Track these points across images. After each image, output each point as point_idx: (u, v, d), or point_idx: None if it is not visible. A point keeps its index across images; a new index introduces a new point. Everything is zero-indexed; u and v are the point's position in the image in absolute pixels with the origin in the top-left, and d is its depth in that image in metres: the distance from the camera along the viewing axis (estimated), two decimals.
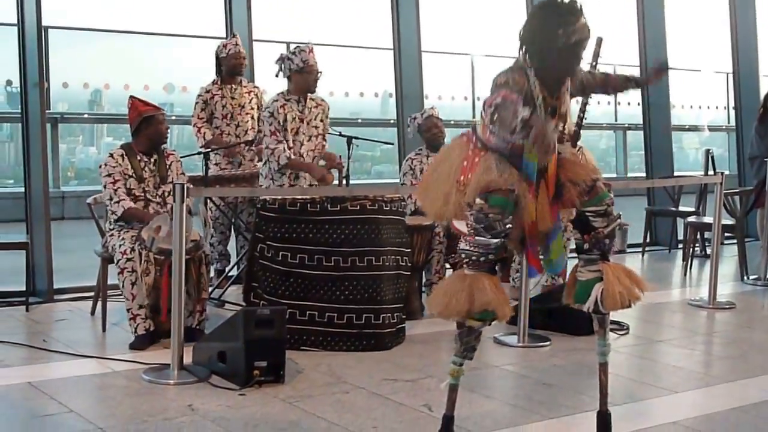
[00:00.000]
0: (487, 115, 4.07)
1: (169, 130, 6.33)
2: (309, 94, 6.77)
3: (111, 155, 6.17)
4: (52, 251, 7.24)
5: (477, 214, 4.19)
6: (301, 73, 6.69)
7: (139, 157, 6.17)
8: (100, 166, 6.21)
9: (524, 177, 4.19)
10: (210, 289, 6.48)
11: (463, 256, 4.23)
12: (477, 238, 4.17)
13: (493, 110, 4.03)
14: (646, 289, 4.47)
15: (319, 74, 6.73)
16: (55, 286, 7.23)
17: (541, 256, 4.48)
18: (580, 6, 4.22)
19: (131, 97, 6.32)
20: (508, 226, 4.20)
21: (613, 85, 4.77)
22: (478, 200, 4.20)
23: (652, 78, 5.03)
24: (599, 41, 6.54)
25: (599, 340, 4.47)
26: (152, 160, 6.21)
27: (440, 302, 4.18)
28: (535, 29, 4.23)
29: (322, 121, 6.85)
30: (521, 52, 4.26)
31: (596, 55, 6.76)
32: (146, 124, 6.17)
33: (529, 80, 4.19)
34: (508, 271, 7.21)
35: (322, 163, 6.85)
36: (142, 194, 6.12)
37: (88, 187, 12.95)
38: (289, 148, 6.62)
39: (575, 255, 4.49)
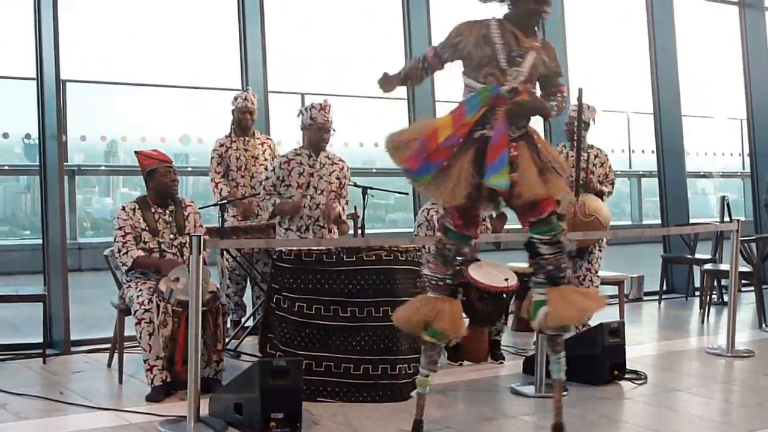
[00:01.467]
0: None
1: (176, 181, 6.33)
2: (323, 152, 6.85)
3: (123, 208, 6.22)
4: (69, 303, 7.26)
5: (437, 245, 4.90)
6: (310, 129, 6.80)
7: (153, 210, 6.21)
8: (114, 220, 6.26)
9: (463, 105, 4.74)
10: (226, 340, 6.47)
11: (425, 280, 4.94)
12: (435, 264, 4.88)
13: (413, 60, 4.99)
14: (601, 304, 5.01)
15: (329, 134, 6.81)
16: (72, 338, 7.24)
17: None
18: None
19: (136, 152, 6.41)
20: (461, 257, 4.89)
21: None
22: (438, 234, 4.96)
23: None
24: (580, 92, 6.70)
25: (552, 356, 5.04)
26: (168, 211, 6.25)
27: (402, 317, 4.92)
28: None
29: (338, 178, 6.89)
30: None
31: (579, 105, 6.87)
32: (150, 177, 6.24)
33: (489, 28, 4.75)
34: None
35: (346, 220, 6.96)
36: (157, 246, 6.15)
37: (105, 238, 13.00)
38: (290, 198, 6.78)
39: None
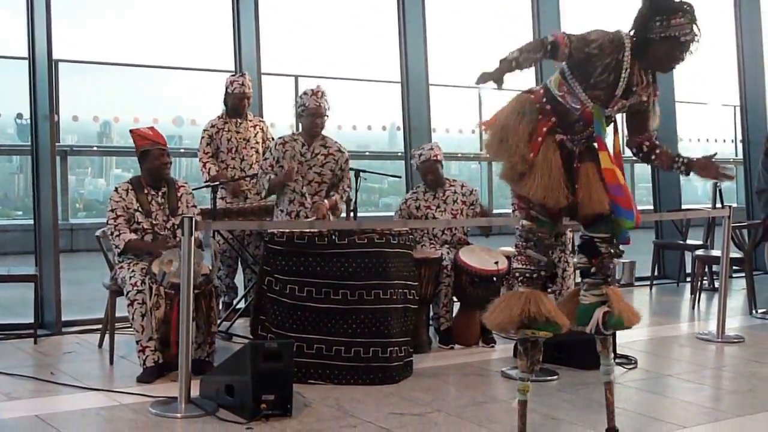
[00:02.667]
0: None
1: (169, 164, 6.31)
2: (320, 139, 6.82)
3: (116, 189, 6.22)
4: (61, 284, 7.26)
5: (526, 234, 4.58)
6: (302, 116, 6.78)
7: (146, 191, 6.21)
8: (107, 205, 6.24)
9: (597, 137, 4.50)
10: (218, 322, 6.48)
11: (517, 274, 4.59)
12: (528, 255, 4.56)
13: (536, 40, 4.45)
14: (639, 317, 4.73)
15: (322, 119, 6.77)
16: (64, 319, 7.24)
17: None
18: (688, 7, 4.48)
19: (131, 130, 6.39)
20: (553, 241, 4.64)
21: (660, 152, 4.75)
22: (525, 222, 4.59)
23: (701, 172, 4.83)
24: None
25: (603, 359, 4.73)
26: (160, 192, 6.24)
27: (499, 317, 4.49)
28: (642, 14, 4.49)
29: (331, 170, 6.86)
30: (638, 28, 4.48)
31: None
32: (143, 159, 6.23)
33: (624, 50, 4.42)
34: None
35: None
36: (150, 228, 6.14)
37: (97, 219, 12.99)
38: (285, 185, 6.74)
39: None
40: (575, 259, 4.95)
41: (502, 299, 4.62)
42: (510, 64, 4.36)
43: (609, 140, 4.60)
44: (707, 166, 4.73)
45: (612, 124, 4.60)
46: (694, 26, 4.46)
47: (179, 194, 6.31)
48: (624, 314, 4.61)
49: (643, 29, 4.46)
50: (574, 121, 4.50)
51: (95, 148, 14.27)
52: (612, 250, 4.69)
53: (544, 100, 4.54)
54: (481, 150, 15.43)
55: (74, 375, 5.89)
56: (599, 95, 4.47)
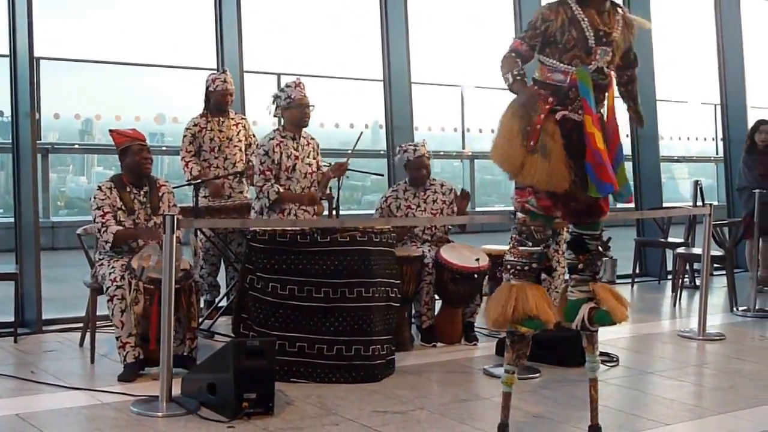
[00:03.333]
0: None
1: (150, 159, 6.27)
2: (303, 128, 6.80)
3: (99, 188, 6.18)
4: (42, 282, 7.22)
5: (520, 227, 4.65)
6: (288, 109, 6.72)
7: (128, 189, 6.19)
8: (90, 199, 6.22)
9: (583, 99, 4.54)
10: (200, 320, 6.46)
11: (509, 266, 4.64)
12: (520, 248, 4.61)
13: (503, 59, 4.63)
14: (627, 314, 4.78)
15: (309, 108, 6.75)
16: (44, 317, 7.20)
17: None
18: None
19: (110, 130, 6.38)
20: (548, 234, 4.66)
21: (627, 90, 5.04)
22: (520, 215, 4.66)
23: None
24: None
25: (589, 356, 4.77)
26: (142, 191, 6.22)
27: (492, 312, 4.56)
28: None
29: (314, 158, 6.87)
30: None
31: None
32: (124, 156, 6.20)
33: (572, 9, 4.60)
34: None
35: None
36: (133, 226, 6.12)
37: (79, 217, 12.95)
38: (283, 186, 6.65)
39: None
40: (565, 255, 4.95)
41: (496, 294, 4.66)
42: (518, 81, 4.59)
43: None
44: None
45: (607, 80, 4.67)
46: None
47: (160, 193, 6.29)
48: (612, 310, 4.66)
49: None
50: (567, 91, 4.58)
51: (77, 146, 14.22)
52: (600, 248, 4.77)
53: (536, 88, 4.63)
54: (463, 148, 15.49)
55: (55, 374, 5.86)
56: (576, 54, 4.59)
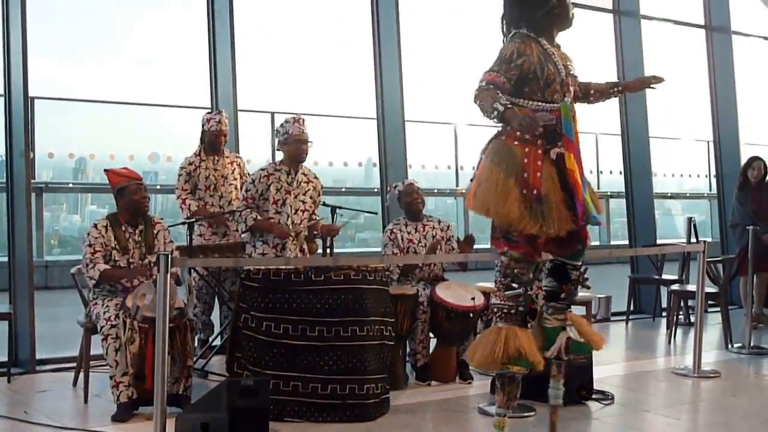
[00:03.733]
0: (475, 92, 4.63)
1: (147, 198, 6.29)
2: (301, 168, 6.84)
3: (95, 225, 6.18)
4: (36, 321, 7.20)
5: (504, 270, 4.75)
6: (286, 144, 6.79)
7: (124, 228, 6.18)
8: (85, 235, 6.21)
9: (565, 134, 4.68)
10: (194, 359, 6.44)
11: (495, 310, 4.74)
12: (507, 292, 4.72)
13: (478, 90, 4.61)
14: (603, 340, 5.04)
15: (306, 144, 6.81)
16: (38, 357, 7.18)
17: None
18: None
19: (105, 170, 6.39)
20: (531, 276, 4.77)
21: (595, 88, 5.20)
22: (503, 258, 4.76)
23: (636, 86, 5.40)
24: None
25: (554, 383, 4.94)
26: (138, 230, 6.22)
27: (480, 355, 4.68)
28: (525, 2, 4.83)
29: (311, 198, 6.89)
30: (521, 24, 4.85)
31: None
32: (120, 195, 6.20)
33: (541, 45, 4.76)
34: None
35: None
36: (126, 265, 6.12)
37: (72, 256, 12.92)
38: (269, 218, 6.70)
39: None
40: (544, 282, 5.02)
41: (482, 336, 4.74)
42: (509, 110, 4.52)
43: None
44: (636, 82, 5.39)
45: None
46: None
47: (156, 231, 6.29)
48: (590, 339, 4.88)
49: (535, 13, 4.82)
50: (555, 128, 4.67)
51: (71, 185, 14.23)
52: (581, 278, 4.92)
53: (519, 133, 4.64)
54: (457, 185, 15.50)
55: (48, 414, 5.84)
56: (556, 89, 4.73)
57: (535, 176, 4.62)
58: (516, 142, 4.70)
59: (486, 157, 4.78)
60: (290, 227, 6.77)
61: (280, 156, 6.99)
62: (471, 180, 4.89)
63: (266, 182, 6.76)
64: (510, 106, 4.54)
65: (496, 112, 4.52)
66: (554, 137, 4.69)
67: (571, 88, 4.83)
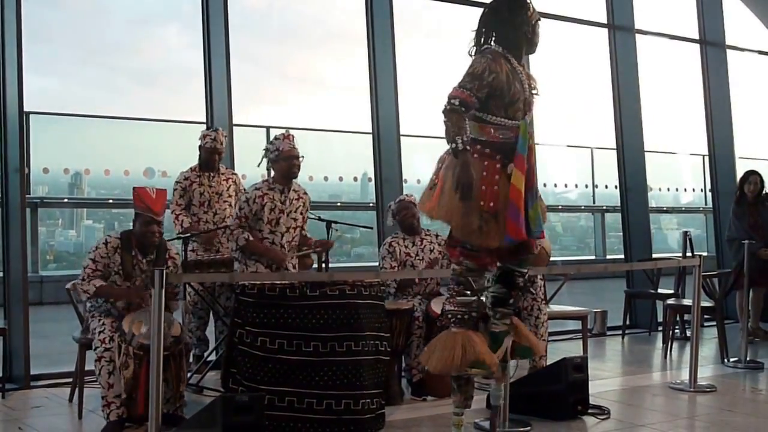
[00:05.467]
0: (445, 108, 4.73)
1: (158, 234, 6.14)
2: (292, 185, 6.83)
3: (106, 244, 6.10)
4: (30, 337, 7.18)
5: (457, 278, 4.95)
6: (277, 162, 6.78)
7: (134, 252, 6.13)
8: (91, 248, 6.15)
9: (519, 153, 4.80)
10: (189, 375, 6.42)
11: (449, 316, 4.96)
12: (459, 298, 4.92)
13: (448, 110, 4.72)
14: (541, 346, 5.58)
15: (298, 160, 6.79)
16: (32, 372, 7.16)
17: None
18: None
19: (134, 188, 6.20)
20: (483, 283, 4.99)
21: None
22: (455, 267, 4.96)
23: None
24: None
25: (497, 385, 5.28)
26: (146, 260, 6.16)
27: (437, 358, 4.85)
28: (500, 20, 5.02)
29: (301, 213, 6.89)
30: (490, 40, 5.05)
31: None
32: (136, 219, 6.13)
33: (510, 62, 4.94)
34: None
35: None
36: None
37: (67, 271, 12.91)
38: (264, 238, 6.68)
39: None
40: (492, 288, 5.15)
41: (438, 341, 4.94)
42: (464, 152, 4.68)
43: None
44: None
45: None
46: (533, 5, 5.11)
47: (168, 264, 6.23)
48: (533, 345, 5.22)
49: (507, 32, 5.01)
50: (513, 145, 4.83)
51: (66, 200, 14.21)
52: (526, 284, 5.31)
53: (479, 147, 4.84)
54: None
55: (43, 430, 5.82)
56: (519, 107, 4.91)
57: (492, 189, 4.78)
58: (476, 155, 4.83)
59: (447, 167, 4.88)
60: (285, 249, 6.75)
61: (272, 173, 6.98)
62: (431, 188, 4.99)
63: (261, 202, 6.74)
64: (468, 148, 4.69)
65: (454, 145, 4.68)
66: (512, 154, 4.84)
67: (533, 107, 5.04)
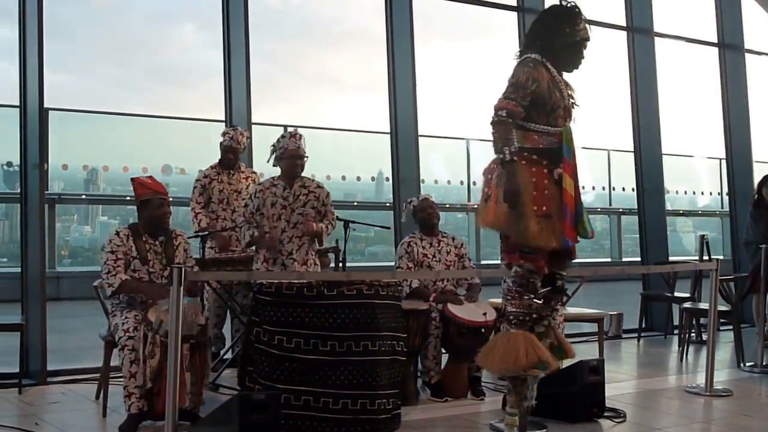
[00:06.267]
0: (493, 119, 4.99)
1: (169, 213, 6.28)
2: (299, 180, 6.83)
3: (117, 233, 6.16)
4: (47, 332, 7.20)
5: (519, 280, 5.11)
6: (282, 159, 6.81)
7: (144, 238, 6.17)
8: (106, 243, 6.19)
9: (565, 158, 5.05)
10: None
11: (511, 317, 5.13)
12: (521, 299, 5.10)
13: (496, 121, 4.96)
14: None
15: (301, 160, 6.80)
16: (49, 368, 7.18)
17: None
18: (580, 10, 5.20)
19: (132, 179, 6.36)
20: (539, 286, 5.13)
21: None
22: (516, 269, 5.09)
23: None
24: None
25: (532, 383, 5.41)
26: (158, 242, 6.21)
27: (499, 359, 5.06)
28: (547, 27, 5.19)
29: (314, 208, 6.87)
30: (533, 49, 5.19)
31: None
32: (143, 208, 6.19)
33: (550, 71, 5.11)
34: None
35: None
36: (146, 276, 6.10)
37: (83, 267, 12.95)
38: (266, 233, 6.72)
39: None
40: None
41: (499, 342, 5.11)
42: (511, 163, 4.95)
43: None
44: None
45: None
46: (587, 25, 5.24)
47: (177, 243, 6.27)
48: (563, 345, 5.39)
49: (551, 41, 5.16)
50: (558, 150, 5.04)
51: (84, 197, 14.26)
52: (564, 285, 5.41)
53: (525, 154, 5.03)
54: (469, 200, 15.49)
55: (59, 426, 5.84)
56: (560, 114, 5.10)
57: (543, 194, 4.98)
58: (523, 162, 5.03)
59: (496, 176, 5.09)
60: (283, 244, 6.75)
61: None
62: (485, 200, 5.19)
63: (262, 197, 6.77)
64: (515, 159, 4.94)
65: (502, 156, 4.96)
66: (557, 159, 5.04)
67: (572, 114, 5.21)
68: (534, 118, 5.05)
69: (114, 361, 6.10)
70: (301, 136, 6.86)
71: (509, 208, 4.93)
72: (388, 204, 11.04)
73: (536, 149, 5.04)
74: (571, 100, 5.22)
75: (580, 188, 5.22)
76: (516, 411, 5.15)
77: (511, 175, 4.93)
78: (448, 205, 15.66)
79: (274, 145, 6.90)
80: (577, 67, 5.28)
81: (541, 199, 4.98)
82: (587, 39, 5.23)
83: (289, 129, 6.98)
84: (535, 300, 5.13)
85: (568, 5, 5.23)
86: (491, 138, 5.03)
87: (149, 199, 6.17)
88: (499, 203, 5.01)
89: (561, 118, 5.12)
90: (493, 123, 4.99)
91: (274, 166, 6.96)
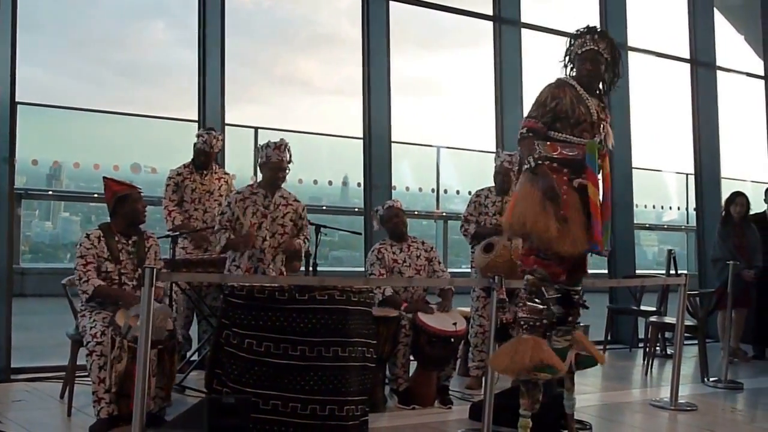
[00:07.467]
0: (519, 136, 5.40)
1: (146, 208, 6.26)
2: (279, 191, 6.81)
3: (87, 236, 6.10)
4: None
5: (530, 287, 5.34)
6: (264, 167, 6.78)
7: (117, 238, 6.12)
8: (76, 246, 6.13)
9: (590, 168, 5.32)
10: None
11: (522, 323, 5.34)
12: (531, 305, 5.31)
13: (520, 138, 5.36)
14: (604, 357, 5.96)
15: (283, 172, 6.78)
16: (13, 365, 7.09)
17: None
18: (602, 30, 5.61)
19: (104, 178, 6.31)
20: (551, 294, 5.33)
21: None
22: (528, 277, 5.34)
23: None
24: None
25: (568, 395, 5.73)
26: (131, 241, 6.16)
27: (507, 362, 5.26)
28: (568, 47, 5.57)
29: (292, 221, 6.85)
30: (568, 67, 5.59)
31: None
32: (121, 204, 6.13)
33: (576, 89, 5.42)
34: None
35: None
36: (118, 277, 6.04)
37: (45, 264, 12.82)
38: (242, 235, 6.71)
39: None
40: (554, 310, 5.49)
41: (509, 346, 5.34)
42: (540, 166, 5.27)
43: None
44: None
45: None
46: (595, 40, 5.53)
47: (148, 245, 6.23)
48: (594, 355, 5.64)
49: (572, 58, 5.58)
50: (581, 161, 5.31)
51: (51, 193, 14.11)
52: (582, 300, 5.55)
53: (547, 162, 5.30)
54: (437, 208, 15.49)
55: (23, 424, 5.77)
56: (585, 128, 5.36)
57: (562, 198, 5.22)
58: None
59: (521, 184, 5.40)
60: (265, 253, 6.73)
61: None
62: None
63: (242, 206, 6.74)
64: (542, 161, 5.27)
65: (527, 165, 5.30)
66: (579, 169, 5.30)
67: (602, 132, 5.42)
68: (558, 129, 5.36)
69: (80, 360, 6.04)
70: (286, 146, 6.81)
71: (551, 201, 5.16)
72: (357, 210, 11.00)
73: (558, 159, 5.32)
74: (600, 116, 5.46)
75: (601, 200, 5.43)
76: (528, 413, 5.32)
77: (544, 174, 5.22)
78: (416, 212, 15.66)
79: (260, 149, 6.87)
80: (598, 77, 5.54)
81: (562, 204, 5.21)
82: (589, 52, 5.49)
83: (275, 139, 6.89)
84: (544, 306, 5.34)
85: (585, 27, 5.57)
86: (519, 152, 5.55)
87: (128, 194, 6.13)
88: (520, 201, 5.28)
89: (587, 132, 5.38)
90: (519, 140, 5.41)
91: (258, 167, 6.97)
